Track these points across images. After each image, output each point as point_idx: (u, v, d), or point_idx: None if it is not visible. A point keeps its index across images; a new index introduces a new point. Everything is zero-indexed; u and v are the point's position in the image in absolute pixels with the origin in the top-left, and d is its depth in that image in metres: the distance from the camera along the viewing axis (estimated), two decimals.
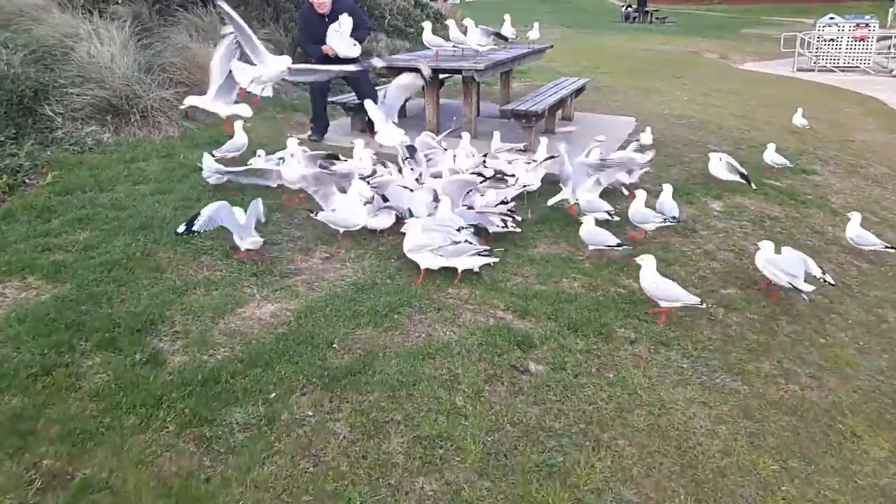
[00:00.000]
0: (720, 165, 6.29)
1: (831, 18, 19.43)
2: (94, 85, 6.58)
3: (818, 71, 18.42)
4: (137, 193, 5.27)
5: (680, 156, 7.62)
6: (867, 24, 19.01)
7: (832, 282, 4.33)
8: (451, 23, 7.99)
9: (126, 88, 6.65)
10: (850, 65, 18.86)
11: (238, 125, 5.79)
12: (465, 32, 7.80)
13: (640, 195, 4.95)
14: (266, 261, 4.27)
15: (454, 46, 7.70)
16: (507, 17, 9.06)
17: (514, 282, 4.27)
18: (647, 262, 4.00)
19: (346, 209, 4.62)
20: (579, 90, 9.21)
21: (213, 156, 5.59)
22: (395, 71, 8.43)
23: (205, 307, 3.69)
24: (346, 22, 6.46)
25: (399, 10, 12.83)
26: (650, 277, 3.94)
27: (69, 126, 6.23)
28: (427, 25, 7.42)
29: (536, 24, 9.39)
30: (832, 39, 19.12)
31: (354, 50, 6.56)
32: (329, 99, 7.74)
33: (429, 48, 7.69)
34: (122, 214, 4.82)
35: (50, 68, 6.85)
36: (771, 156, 7.00)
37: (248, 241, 4.21)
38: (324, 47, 6.73)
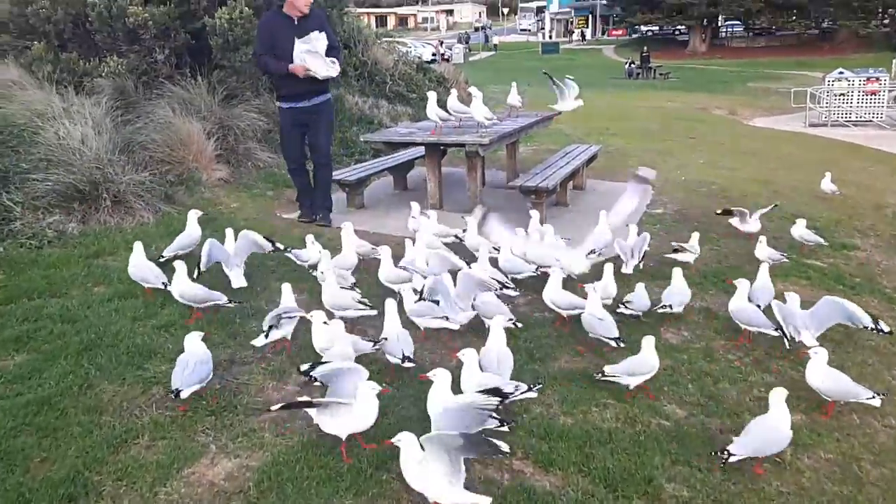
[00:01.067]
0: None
1: (840, 73, 19.05)
2: (61, 169, 5.98)
3: (831, 126, 17.91)
4: (94, 299, 4.58)
5: (707, 231, 6.91)
6: (877, 78, 18.61)
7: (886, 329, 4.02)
8: (453, 92, 7.45)
9: (96, 172, 6.05)
10: (862, 119, 18.37)
11: (192, 216, 5.17)
12: (469, 98, 7.23)
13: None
14: (231, 391, 3.53)
15: (460, 121, 7.11)
16: (513, 84, 8.58)
17: (533, 413, 3.50)
18: (819, 356, 3.62)
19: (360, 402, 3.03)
20: (591, 158, 8.62)
21: (163, 256, 4.95)
22: (392, 146, 7.95)
23: (144, 466, 2.93)
24: (319, 39, 5.75)
25: (401, 76, 12.40)
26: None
27: (28, 216, 5.61)
28: (432, 96, 6.86)
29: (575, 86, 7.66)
30: (843, 94, 18.69)
31: (333, 69, 5.86)
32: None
33: (431, 120, 7.11)
34: (69, 329, 4.11)
35: (15, 150, 6.30)
36: (800, 231, 6.28)
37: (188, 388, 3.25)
38: (291, 66, 5.78)
